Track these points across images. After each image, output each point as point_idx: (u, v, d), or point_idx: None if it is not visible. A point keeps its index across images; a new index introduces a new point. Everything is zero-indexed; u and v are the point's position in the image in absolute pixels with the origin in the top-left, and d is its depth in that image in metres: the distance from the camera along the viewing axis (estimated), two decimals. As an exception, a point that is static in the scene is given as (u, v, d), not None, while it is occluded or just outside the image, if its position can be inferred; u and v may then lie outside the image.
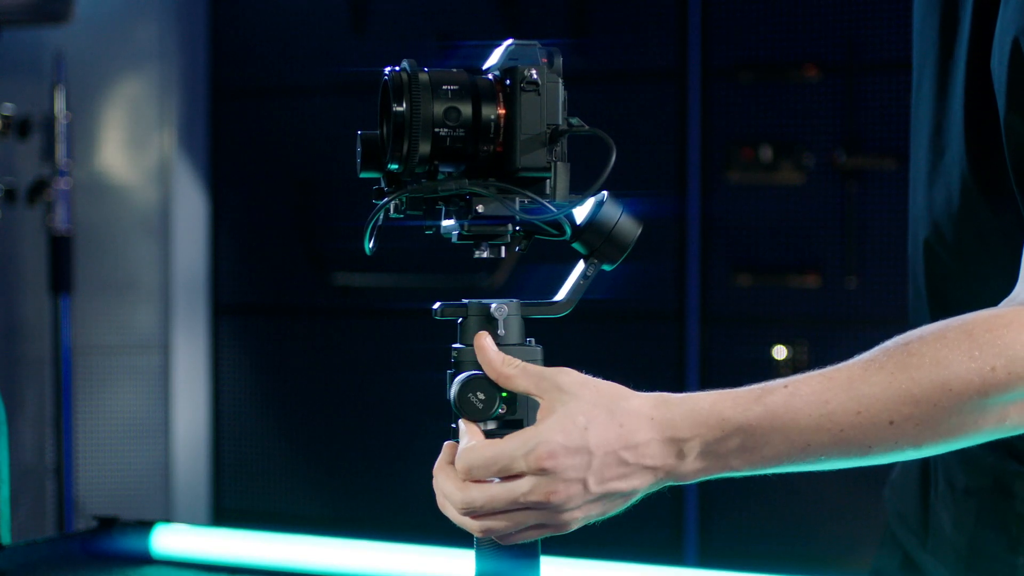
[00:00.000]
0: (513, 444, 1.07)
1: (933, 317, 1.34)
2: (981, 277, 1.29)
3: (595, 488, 1.06)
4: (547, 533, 1.10)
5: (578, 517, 1.08)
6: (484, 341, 1.12)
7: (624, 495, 1.08)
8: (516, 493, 1.06)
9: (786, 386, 1.07)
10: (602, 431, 1.06)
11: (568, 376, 1.09)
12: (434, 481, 1.12)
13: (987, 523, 1.31)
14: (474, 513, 1.08)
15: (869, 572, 1.51)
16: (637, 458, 1.06)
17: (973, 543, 1.32)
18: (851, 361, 1.09)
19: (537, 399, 1.09)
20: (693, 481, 1.09)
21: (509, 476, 1.07)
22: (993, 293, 1.18)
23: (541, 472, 1.05)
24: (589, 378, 1.09)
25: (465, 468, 1.08)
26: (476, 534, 1.10)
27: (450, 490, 1.09)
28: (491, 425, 1.13)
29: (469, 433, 1.10)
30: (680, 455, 1.07)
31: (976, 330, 1.06)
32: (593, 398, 1.07)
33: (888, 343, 1.09)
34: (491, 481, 1.08)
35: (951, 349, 1.06)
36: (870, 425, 1.06)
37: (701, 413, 1.06)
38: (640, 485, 1.08)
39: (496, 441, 1.08)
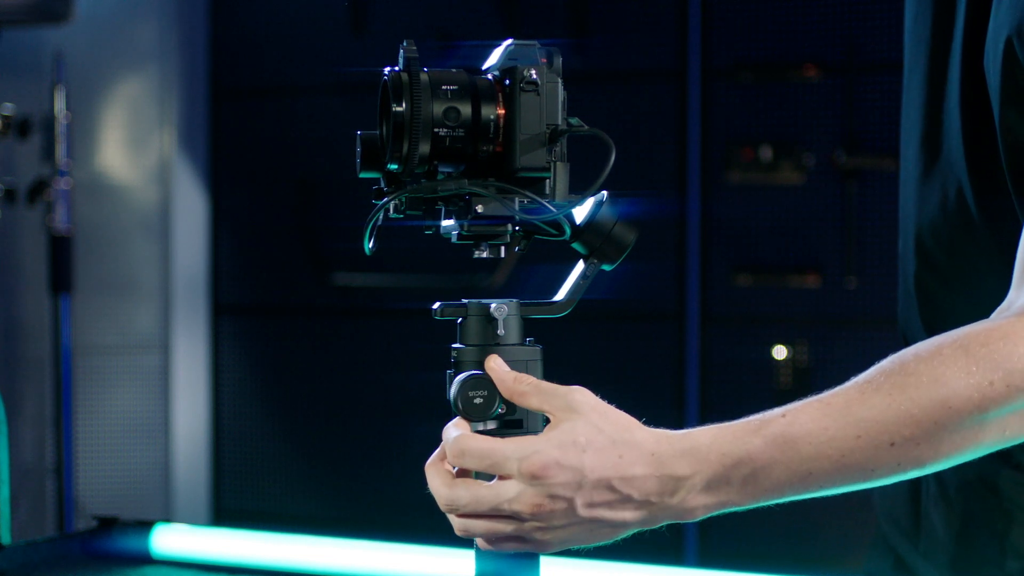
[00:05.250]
0: (510, 446, 1.07)
1: (923, 319, 1.35)
2: (974, 279, 1.28)
3: (582, 512, 1.06)
4: (524, 548, 1.09)
5: (560, 538, 1.08)
6: (494, 363, 1.12)
7: (612, 525, 1.08)
8: (502, 498, 1.06)
9: (784, 415, 1.07)
10: (600, 457, 1.06)
11: (581, 395, 1.09)
12: (426, 476, 1.12)
13: (975, 522, 1.31)
14: (457, 512, 1.08)
15: (859, 575, 1.50)
16: (629, 490, 1.06)
17: (962, 543, 1.32)
18: (848, 384, 1.08)
19: (548, 416, 1.09)
20: (695, 519, 1.09)
21: (499, 479, 1.07)
22: (985, 295, 1.18)
23: (531, 481, 1.05)
24: (601, 403, 1.09)
25: (459, 451, 1.08)
26: (457, 533, 1.10)
27: (436, 485, 1.10)
28: (491, 425, 1.13)
29: (461, 429, 1.11)
30: (676, 492, 1.06)
31: (972, 345, 1.06)
32: (599, 423, 1.07)
33: (884, 363, 1.09)
34: (479, 485, 1.08)
35: (948, 366, 1.05)
36: (871, 448, 1.06)
37: (701, 451, 1.06)
38: (630, 519, 1.07)
39: (494, 439, 1.08)
